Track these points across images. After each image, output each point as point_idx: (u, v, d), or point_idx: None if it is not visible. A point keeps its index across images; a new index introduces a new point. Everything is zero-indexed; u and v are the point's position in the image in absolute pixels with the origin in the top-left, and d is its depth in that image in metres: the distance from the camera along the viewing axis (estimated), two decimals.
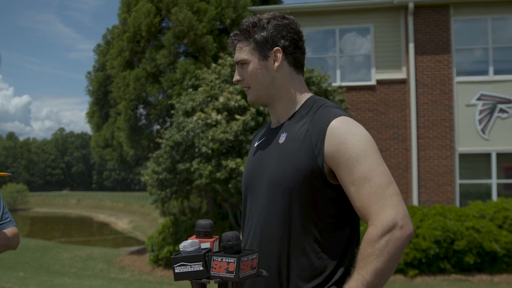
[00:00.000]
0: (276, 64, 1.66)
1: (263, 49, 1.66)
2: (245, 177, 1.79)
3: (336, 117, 1.55)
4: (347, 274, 1.51)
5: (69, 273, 11.54)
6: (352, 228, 1.59)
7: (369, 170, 1.47)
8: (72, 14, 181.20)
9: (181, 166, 9.64)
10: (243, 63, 1.70)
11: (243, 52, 1.69)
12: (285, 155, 1.59)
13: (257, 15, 1.72)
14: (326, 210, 1.55)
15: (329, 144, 1.52)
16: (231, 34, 1.74)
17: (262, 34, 1.66)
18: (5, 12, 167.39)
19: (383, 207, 1.44)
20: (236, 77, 1.73)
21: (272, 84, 1.68)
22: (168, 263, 10.99)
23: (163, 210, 20.66)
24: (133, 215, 39.89)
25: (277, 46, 1.66)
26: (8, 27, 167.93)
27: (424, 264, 9.12)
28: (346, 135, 1.51)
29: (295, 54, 1.69)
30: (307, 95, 1.71)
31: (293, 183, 1.55)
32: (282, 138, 1.65)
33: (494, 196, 11.09)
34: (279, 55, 1.66)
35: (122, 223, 37.21)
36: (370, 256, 1.41)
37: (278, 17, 1.68)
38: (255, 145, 1.81)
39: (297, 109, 1.69)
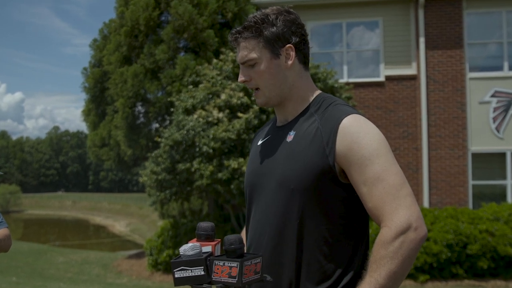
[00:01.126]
0: (290, 62, 1.63)
1: (274, 46, 1.62)
2: (248, 177, 1.76)
3: (347, 115, 1.54)
4: (356, 277, 1.51)
5: (64, 278, 11.52)
6: (362, 230, 1.58)
7: (382, 170, 1.46)
8: (68, 7, 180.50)
9: (181, 166, 9.56)
10: (251, 63, 1.63)
11: (251, 50, 1.63)
12: (294, 153, 1.58)
13: (262, 10, 1.66)
14: (336, 211, 1.54)
15: (341, 142, 1.51)
16: (233, 32, 1.66)
17: (272, 30, 1.61)
18: None
19: (397, 208, 1.43)
20: (242, 77, 1.67)
21: (284, 83, 1.65)
22: (168, 268, 10.93)
23: (162, 212, 21.02)
24: (131, 218, 40.59)
25: (289, 43, 1.62)
26: (0, 21, 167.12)
27: (436, 269, 9.01)
28: (358, 134, 1.50)
29: (304, 50, 1.68)
30: (316, 92, 1.70)
31: (303, 183, 1.53)
32: (290, 137, 1.62)
33: (509, 198, 11.03)
34: (292, 52, 1.63)
35: (119, 226, 37.87)
36: (384, 258, 1.40)
37: (284, 12, 1.64)
38: (259, 143, 1.78)
39: (305, 106, 1.66)
